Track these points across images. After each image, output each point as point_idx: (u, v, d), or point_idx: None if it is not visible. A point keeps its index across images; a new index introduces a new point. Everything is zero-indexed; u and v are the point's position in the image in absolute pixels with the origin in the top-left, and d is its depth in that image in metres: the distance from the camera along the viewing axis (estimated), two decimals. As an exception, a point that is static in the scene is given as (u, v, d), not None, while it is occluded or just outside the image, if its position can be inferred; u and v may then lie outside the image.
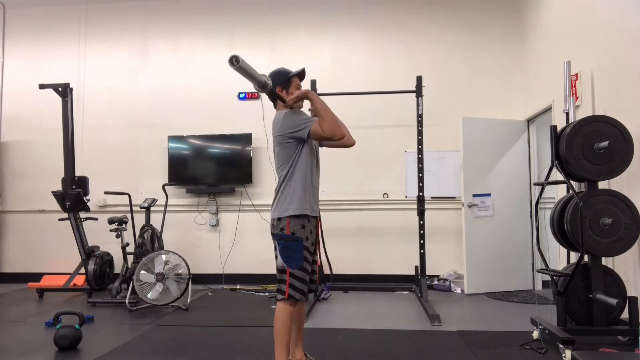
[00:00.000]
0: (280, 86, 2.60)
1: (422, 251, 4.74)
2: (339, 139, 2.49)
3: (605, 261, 3.31)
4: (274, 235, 2.53)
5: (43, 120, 6.08)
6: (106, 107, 6.04)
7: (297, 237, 2.46)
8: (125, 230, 4.86)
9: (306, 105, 2.68)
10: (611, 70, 3.57)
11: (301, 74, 2.67)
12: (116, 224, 4.79)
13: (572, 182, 3.21)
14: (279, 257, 2.50)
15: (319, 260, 4.36)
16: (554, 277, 3.17)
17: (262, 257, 5.59)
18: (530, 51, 5.26)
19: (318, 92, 5.05)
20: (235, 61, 2.17)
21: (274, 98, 2.61)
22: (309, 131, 2.44)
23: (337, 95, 5.22)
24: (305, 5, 5.88)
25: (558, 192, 4.41)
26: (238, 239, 5.74)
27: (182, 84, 5.97)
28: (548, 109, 4.75)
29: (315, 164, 2.62)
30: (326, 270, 4.91)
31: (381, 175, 5.61)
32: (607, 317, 3.07)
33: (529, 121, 5.30)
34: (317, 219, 2.64)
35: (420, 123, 4.83)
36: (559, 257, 4.45)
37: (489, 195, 5.05)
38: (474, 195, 5.01)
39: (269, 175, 5.71)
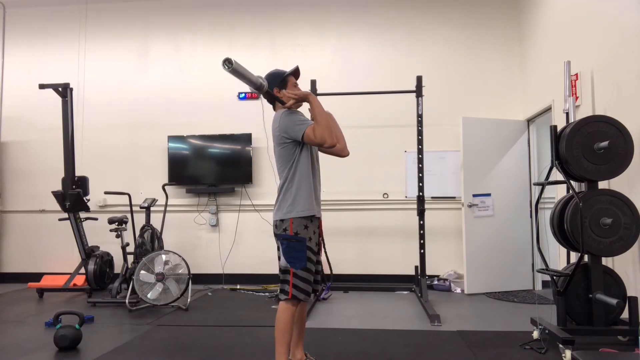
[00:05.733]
0: (277, 87, 2.59)
1: (422, 251, 4.74)
2: (329, 146, 2.45)
3: (605, 261, 3.31)
4: (277, 236, 2.52)
5: (43, 120, 6.08)
6: (106, 107, 6.04)
7: (301, 237, 2.45)
8: (125, 230, 4.86)
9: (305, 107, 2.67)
10: (611, 70, 3.57)
11: (296, 73, 2.67)
12: (116, 224, 4.78)
13: (572, 182, 3.21)
14: (281, 257, 2.49)
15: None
16: (554, 277, 3.17)
17: (262, 257, 5.60)
18: (530, 51, 5.26)
19: (318, 92, 5.05)
20: (228, 63, 2.16)
21: (272, 100, 2.61)
22: (304, 133, 2.43)
23: (337, 95, 5.23)
24: (305, 5, 5.88)
25: (558, 192, 4.41)
26: (238, 239, 5.74)
27: (182, 84, 5.97)
28: (548, 109, 4.75)
29: (315, 165, 2.61)
30: (326, 270, 4.91)
31: (381, 175, 5.60)
32: (607, 317, 3.07)
33: (529, 121, 5.30)
34: (320, 219, 2.64)
35: (420, 123, 4.83)
36: (559, 257, 4.45)
37: (489, 195, 5.05)
38: (474, 195, 5.01)
39: (269, 175, 5.71)
